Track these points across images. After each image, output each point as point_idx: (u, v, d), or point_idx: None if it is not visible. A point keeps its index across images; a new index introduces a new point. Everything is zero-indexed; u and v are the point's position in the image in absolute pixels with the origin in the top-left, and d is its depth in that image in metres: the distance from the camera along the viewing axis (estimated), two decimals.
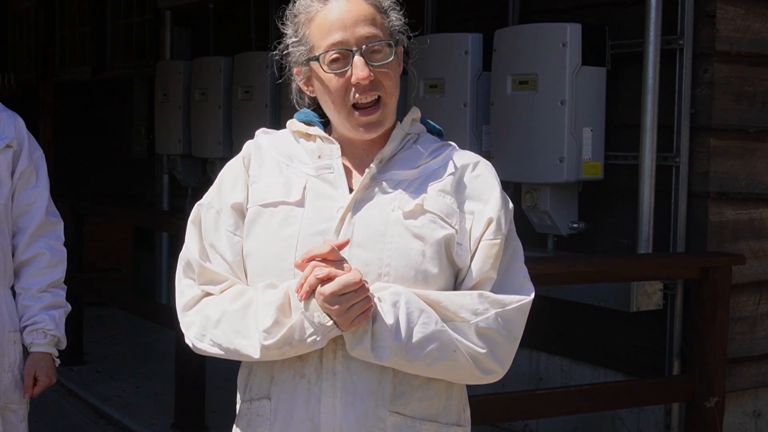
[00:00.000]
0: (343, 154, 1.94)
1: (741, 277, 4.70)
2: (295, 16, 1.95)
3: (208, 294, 1.93)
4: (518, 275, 1.92)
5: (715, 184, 4.74)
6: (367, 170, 1.91)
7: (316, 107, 2.01)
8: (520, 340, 1.91)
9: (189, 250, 1.97)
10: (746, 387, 4.92)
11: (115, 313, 7.84)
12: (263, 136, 2.03)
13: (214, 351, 1.89)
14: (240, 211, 1.94)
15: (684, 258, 4.68)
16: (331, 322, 1.78)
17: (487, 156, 4.96)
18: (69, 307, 3.13)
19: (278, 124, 6.54)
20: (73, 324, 5.70)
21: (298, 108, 2.05)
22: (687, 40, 4.73)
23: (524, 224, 5.09)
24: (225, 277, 1.92)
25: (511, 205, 1.97)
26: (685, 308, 4.77)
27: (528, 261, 1.98)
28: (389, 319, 1.79)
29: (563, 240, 5.23)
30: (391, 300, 1.80)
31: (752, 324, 4.89)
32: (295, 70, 1.98)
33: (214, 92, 7.44)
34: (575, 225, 5.16)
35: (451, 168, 1.93)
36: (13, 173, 3.01)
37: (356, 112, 1.90)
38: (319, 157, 1.94)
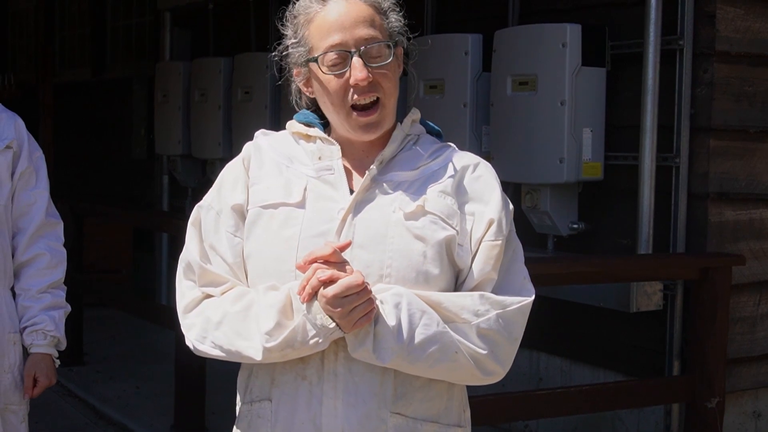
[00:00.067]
0: (343, 155, 1.94)
1: (741, 277, 4.70)
2: (295, 17, 1.95)
3: (209, 296, 1.93)
4: (519, 276, 1.93)
5: (715, 185, 4.74)
6: (367, 171, 1.90)
7: (315, 108, 2.01)
8: (520, 341, 1.91)
9: (189, 252, 1.97)
10: (746, 387, 4.92)
11: (114, 313, 7.84)
12: (263, 137, 2.03)
13: (215, 353, 1.89)
14: (240, 213, 1.94)
15: (684, 258, 4.68)
16: (334, 324, 1.78)
17: (486, 157, 4.98)
18: (69, 308, 3.13)
19: (278, 125, 6.54)
20: (73, 325, 5.71)
21: (297, 109, 2.05)
22: (687, 40, 4.73)
23: (524, 225, 5.09)
24: (225, 279, 1.92)
25: (511, 206, 1.97)
26: (685, 309, 4.77)
27: (528, 261, 1.98)
28: (391, 321, 1.79)
29: (563, 240, 5.23)
30: (393, 302, 1.80)
31: (752, 324, 4.89)
32: (294, 71, 1.98)
33: (214, 93, 7.44)
34: (575, 225, 5.16)
35: (451, 169, 1.94)
36: (13, 174, 3.01)
37: (355, 113, 1.90)
38: (320, 158, 1.94)
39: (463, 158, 1.97)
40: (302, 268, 1.78)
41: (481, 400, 3.89)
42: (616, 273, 4.54)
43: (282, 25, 1.98)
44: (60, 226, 3.14)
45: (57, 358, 3.07)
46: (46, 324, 3.00)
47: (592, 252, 5.15)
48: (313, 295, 1.77)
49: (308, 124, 2.00)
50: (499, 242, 1.89)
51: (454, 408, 1.95)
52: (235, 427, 1.99)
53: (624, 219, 4.98)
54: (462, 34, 5.46)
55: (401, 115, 1.98)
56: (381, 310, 1.79)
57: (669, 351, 4.83)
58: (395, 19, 1.95)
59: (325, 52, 1.88)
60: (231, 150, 7.18)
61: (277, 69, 2.05)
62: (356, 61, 1.87)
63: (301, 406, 1.86)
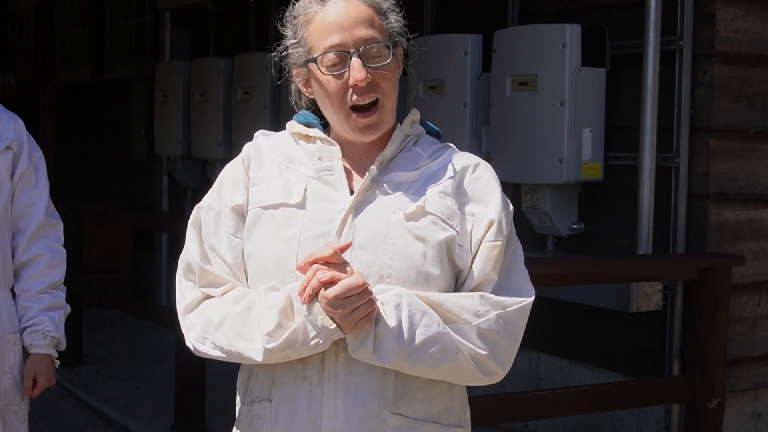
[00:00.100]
0: (343, 155, 1.94)
1: (741, 277, 4.70)
2: (294, 17, 1.95)
3: (209, 296, 1.93)
4: (519, 277, 1.93)
5: (714, 185, 4.74)
6: (368, 172, 1.90)
7: (315, 109, 2.01)
8: (520, 341, 1.91)
9: (189, 253, 1.97)
10: (746, 388, 4.92)
11: (114, 314, 7.84)
12: (262, 137, 2.03)
13: (215, 354, 1.89)
14: (240, 213, 1.94)
15: (684, 259, 4.68)
16: (335, 325, 1.78)
17: (486, 157, 4.98)
18: (69, 309, 3.13)
19: (278, 125, 6.54)
20: (72, 325, 5.70)
21: (297, 109, 2.05)
22: (686, 41, 4.74)
23: (524, 225, 5.09)
24: (226, 280, 1.92)
25: (511, 206, 1.98)
26: (685, 309, 4.77)
27: (528, 262, 1.98)
28: (392, 322, 1.79)
29: (563, 241, 5.23)
30: (394, 302, 1.80)
31: (752, 325, 4.89)
32: (294, 72, 1.98)
33: (214, 93, 7.44)
34: (575, 226, 5.16)
35: (451, 170, 1.94)
36: (12, 175, 3.01)
37: (354, 114, 1.90)
38: (320, 158, 1.94)
39: (462, 159, 1.97)
40: (303, 269, 1.78)
41: (481, 401, 3.89)
42: (616, 273, 4.54)
43: (282, 25, 1.98)
44: (60, 227, 3.14)
45: (57, 359, 3.07)
46: (46, 324, 3.00)
47: (592, 252, 5.15)
48: (314, 296, 1.77)
49: (308, 125, 2.00)
50: (499, 243, 1.89)
51: (454, 408, 1.95)
52: (234, 427, 1.99)
53: (624, 219, 4.98)
54: (462, 34, 5.46)
55: (401, 115, 1.98)
56: (381, 311, 1.79)
57: (669, 351, 4.83)
58: (395, 20, 1.95)
59: (324, 53, 1.88)
60: (231, 150, 7.18)
61: (277, 69, 2.06)
62: (355, 61, 1.87)
63: (302, 407, 1.86)
